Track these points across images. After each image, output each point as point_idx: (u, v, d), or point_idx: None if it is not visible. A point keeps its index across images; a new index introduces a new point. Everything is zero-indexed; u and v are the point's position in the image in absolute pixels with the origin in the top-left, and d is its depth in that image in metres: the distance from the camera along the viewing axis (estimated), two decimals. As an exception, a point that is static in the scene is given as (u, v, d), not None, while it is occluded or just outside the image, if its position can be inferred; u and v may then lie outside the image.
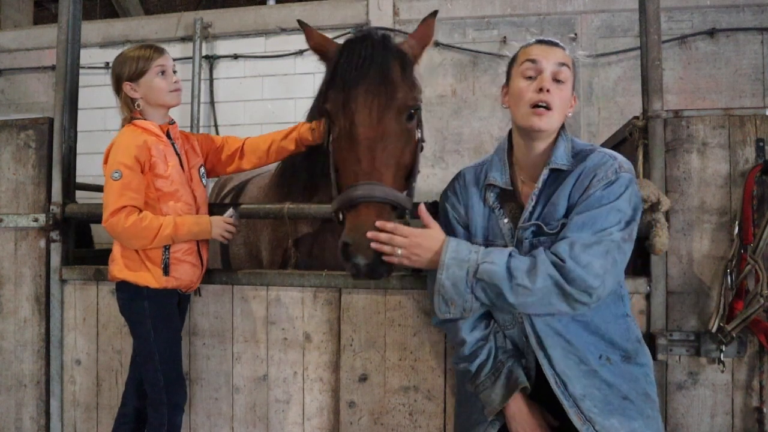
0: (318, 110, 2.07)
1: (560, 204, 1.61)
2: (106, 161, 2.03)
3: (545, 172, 1.65)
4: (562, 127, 1.73)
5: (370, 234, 1.59)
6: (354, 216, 1.71)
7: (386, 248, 1.58)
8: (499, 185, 1.73)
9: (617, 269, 1.53)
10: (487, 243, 1.72)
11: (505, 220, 1.71)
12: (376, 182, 1.73)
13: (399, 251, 1.57)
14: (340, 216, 1.82)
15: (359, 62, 1.84)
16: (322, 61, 2.12)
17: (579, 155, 1.66)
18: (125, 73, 2.06)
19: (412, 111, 1.88)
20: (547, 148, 1.70)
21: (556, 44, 1.69)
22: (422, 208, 1.69)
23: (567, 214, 1.59)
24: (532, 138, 1.68)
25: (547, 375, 1.60)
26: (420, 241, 1.57)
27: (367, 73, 1.82)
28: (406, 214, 1.90)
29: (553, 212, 1.61)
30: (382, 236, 1.58)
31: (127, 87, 2.06)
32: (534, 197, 1.65)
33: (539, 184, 1.65)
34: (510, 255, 1.54)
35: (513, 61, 1.74)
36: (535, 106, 1.61)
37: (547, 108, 1.61)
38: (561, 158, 1.65)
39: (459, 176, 1.87)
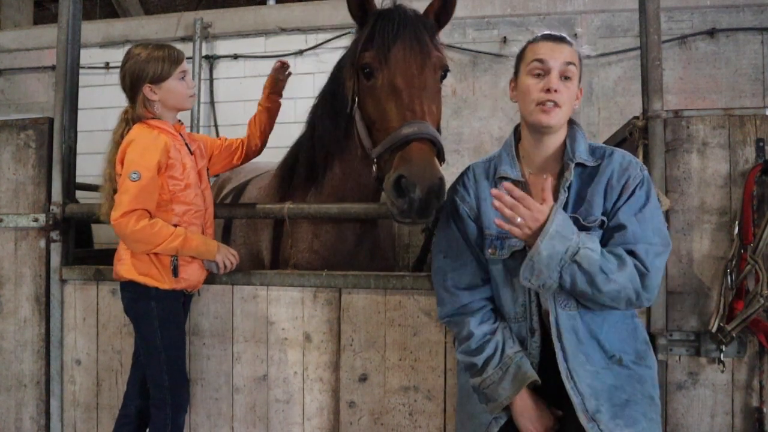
0: (351, 67, 2.12)
1: (596, 201, 1.64)
2: (121, 160, 2.00)
3: (572, 166, 1.68)
4: (575, 122, 1.76)
5: (506, 185, 1.54)
6: (407, 151, 1.80)
7: (507, 212, 1.51)
8: (511, 177, 1.74)
9: None
10: (501, 236, 1.73)
11: None
12: (426, 122, 1.88)
13: (518, 219, 1.52)
14: (375, 164, 1.95)
15: (397, 25, 2.00)
16: (359, 25, 2.18)
17: (596, 152, 1.72)
18: (147, 75, 2.01)
19: (443, 73, 2.07)
20: (558, 142, 1.73)
21: (563, 40, 1.70)
22: (548, 182, 1.61)
23: (604, 212, 1.64)
24: (541, 133, 1.71)
25: (561, 368, 1.61)
26: (538, 216, 1.51)
27: (405, 33, 1.99)
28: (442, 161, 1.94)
29: (589, 208, 1.65)
30: (508, 200, 1.51)
31: (147, 89, 2.02)
32: (565, 190, 1.68)
33: (571, 177, 1.68)
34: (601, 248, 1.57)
35: (521, 56, 1.75)
36: (543, 103, 1.64)
37: (555, 105, 1.64)
38: (584, 154, 1.70)
39: (468, 170, 1.88)
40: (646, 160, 2.04)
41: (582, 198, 1.67)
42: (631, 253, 1.56)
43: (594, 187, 1.65)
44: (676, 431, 2.01)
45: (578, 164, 1.69)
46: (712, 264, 2.01)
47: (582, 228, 1.62)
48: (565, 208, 1.66)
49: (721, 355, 1.93)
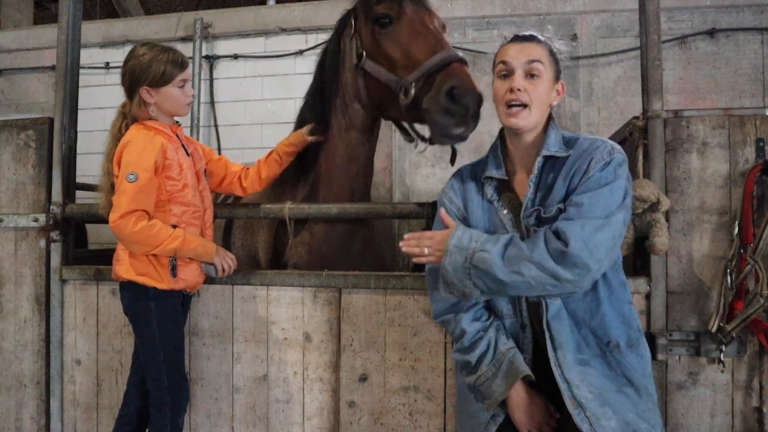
0: (359, 23, 2.34)
1: (558, 189, 1.65)
2: (118, 161, 2.00)
3: (540, 160, 1.69)
4: (551, 117, 1.76)
5: (407, 236, 1.74)
6: (451, 70, 2.05)
7: (415, 250, 1.70)
8: (495, 176, 1.76)
9: (616, 250, 1.59)
10: (489, 234, 1.73)
11: (505, 211, 1.73)
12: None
13: (426, 251, 1.68)
14: (405, 93, 2.12)
15: None
16: None
17: (570, 142, 1.72)
18: (147, 78, 2.00)
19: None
20: (537, 138, 1.74)
21: (529, 39, 1.72)
22: (443, 212, 1.77)
23: (565, 198, 1.63)
24: (515, 134, 1.73)
25: (550, 357, 1.61)
26: (440, 238, 1.66)
27: None
28: None
29: (553, 198, 1.65)
30: (412, 241, 1.71)
31: (144, 92, 2.02)
32: (532, 184, 1.69)
33: (535, 171, 1.69)
34: (509, 242, 1.58)
35: (493, 61, 1.78)
36: (510, 106, 1.67)
37: (523, 106, 1.66)
38: (553, 145, 1.70)
39: (457, 173, 1.90)
40: (646, 160, 2.04)
41: (550, 189, 1.67)
42: (558, 232, 1.53)
43: (559, 175, 1.66)
44: (676, 431, 2.01)
45: (549, 157, 1.69)
46: (712, 264, 2.01)
47: (542, 221, 1.64)
48: (531, 204, 1.68)
49: (721, 355, 1.93)
